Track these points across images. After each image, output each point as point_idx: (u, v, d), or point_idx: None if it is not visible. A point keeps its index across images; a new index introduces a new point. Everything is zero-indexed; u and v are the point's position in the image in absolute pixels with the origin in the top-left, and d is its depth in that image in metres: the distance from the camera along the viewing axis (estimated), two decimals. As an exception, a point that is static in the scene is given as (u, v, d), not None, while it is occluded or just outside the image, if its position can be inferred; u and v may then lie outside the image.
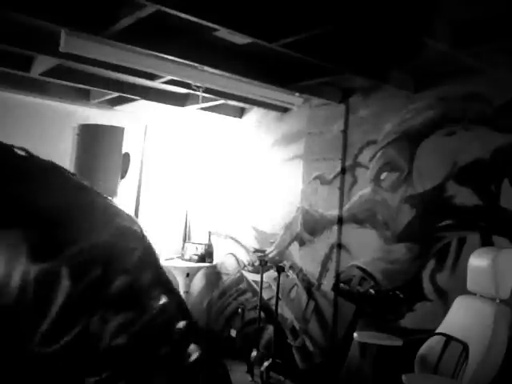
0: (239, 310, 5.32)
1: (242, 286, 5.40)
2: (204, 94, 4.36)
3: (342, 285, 4.30)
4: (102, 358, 0.53)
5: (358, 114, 4.36)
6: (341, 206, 4.40)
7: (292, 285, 4.79)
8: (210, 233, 5.88)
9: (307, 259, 4.65)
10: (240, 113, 5.56)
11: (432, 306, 3.61)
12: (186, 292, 5.49)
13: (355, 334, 3.41)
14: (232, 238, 5.59)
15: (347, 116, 4.44)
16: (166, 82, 4.26)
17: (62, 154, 3.65)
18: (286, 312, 4.78)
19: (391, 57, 3.46)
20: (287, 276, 4.79)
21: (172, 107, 5.14)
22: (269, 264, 4.82)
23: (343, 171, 4.41)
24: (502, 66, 3.22)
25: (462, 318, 2.98)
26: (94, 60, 3.45)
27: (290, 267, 4.80)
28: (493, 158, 3.38)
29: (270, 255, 5.02)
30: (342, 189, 4.41)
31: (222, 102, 4.95)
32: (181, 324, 0.60)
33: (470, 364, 2.73)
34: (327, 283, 4.44)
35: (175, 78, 3.97)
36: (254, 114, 5.44)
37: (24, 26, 3.16)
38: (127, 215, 0.66)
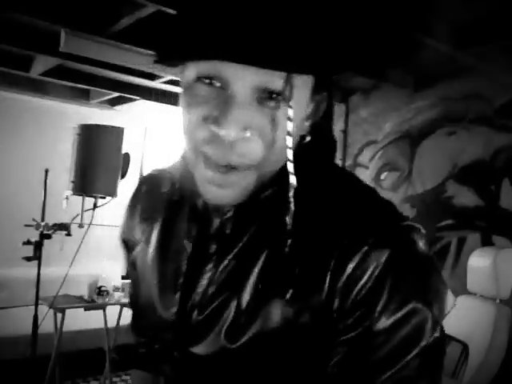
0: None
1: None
2: (204, 94, 4.35)
3: (342, 285, 4.29)
4: None
5: (358, 114, 4.35)
6: (341, 206, 4.39)
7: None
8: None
9: (307, 259, 4.65)
10: (240, 113, 5.55)
11: (432, 306, 3.61)
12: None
13: (355, 334, 3.40)
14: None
15: (347, 116, 4.44)
16: (166, 82, 4.25)
17: (62, 154, 3.66)
18: (286, 312, 4.77)
19: (391, 56, 3.46)
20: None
21: (172, 107, 5.13)
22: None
23: (343, 171, 4.40)
24: (502, 66, 3.22)
25: (462, 318, 2.98)
26: (94, 60, 3.45)
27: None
28: (493, 158, 3.37)
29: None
30: (342, 189, 4.40)
31: (221, 101, 4.94)
32: None
33: (469, 364, 2.73)
34: (327, 283, 4.43)
35: (175, 78, 3.97)
36: (254, 114, 5.43)
37: (24, 26, 3.16)
38: None
